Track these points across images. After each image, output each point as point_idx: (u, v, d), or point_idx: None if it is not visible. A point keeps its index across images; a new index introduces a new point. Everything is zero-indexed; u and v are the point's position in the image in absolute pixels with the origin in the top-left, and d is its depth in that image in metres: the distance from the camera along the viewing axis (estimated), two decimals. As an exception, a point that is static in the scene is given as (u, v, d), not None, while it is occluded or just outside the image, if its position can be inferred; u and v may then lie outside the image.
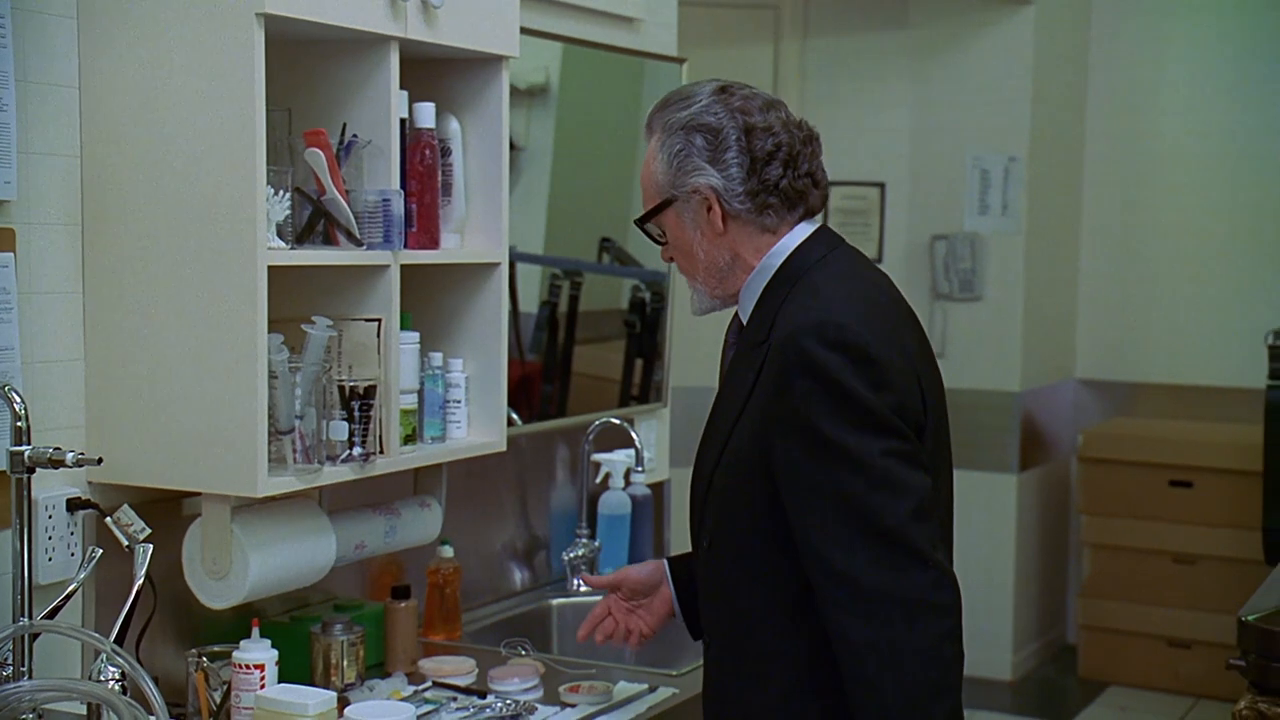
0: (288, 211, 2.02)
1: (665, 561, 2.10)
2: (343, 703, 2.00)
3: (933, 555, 1.68)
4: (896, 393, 1.71)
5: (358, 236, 2.11)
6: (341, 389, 2.09)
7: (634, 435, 2.91)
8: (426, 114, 2.25)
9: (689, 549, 2.10)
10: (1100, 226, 5.60)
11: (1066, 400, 5.63)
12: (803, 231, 1.85)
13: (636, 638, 2.09)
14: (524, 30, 2.43)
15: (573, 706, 2.19)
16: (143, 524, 1.97)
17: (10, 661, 1.84)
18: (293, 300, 2.10)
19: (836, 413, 1.68)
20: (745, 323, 1.87)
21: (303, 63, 2.15)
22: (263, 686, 1.98)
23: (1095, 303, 5.62)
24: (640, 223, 1.89)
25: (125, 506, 1.98)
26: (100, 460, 1.92)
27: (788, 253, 1.84)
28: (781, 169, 1.81)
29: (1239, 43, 5.36)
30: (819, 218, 1.90)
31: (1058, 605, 5.60)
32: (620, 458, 2.99)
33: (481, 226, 2.38)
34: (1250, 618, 2.55)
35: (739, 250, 1.84)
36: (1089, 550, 5.31)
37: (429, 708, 2.15)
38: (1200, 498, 5.05)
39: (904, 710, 1.65)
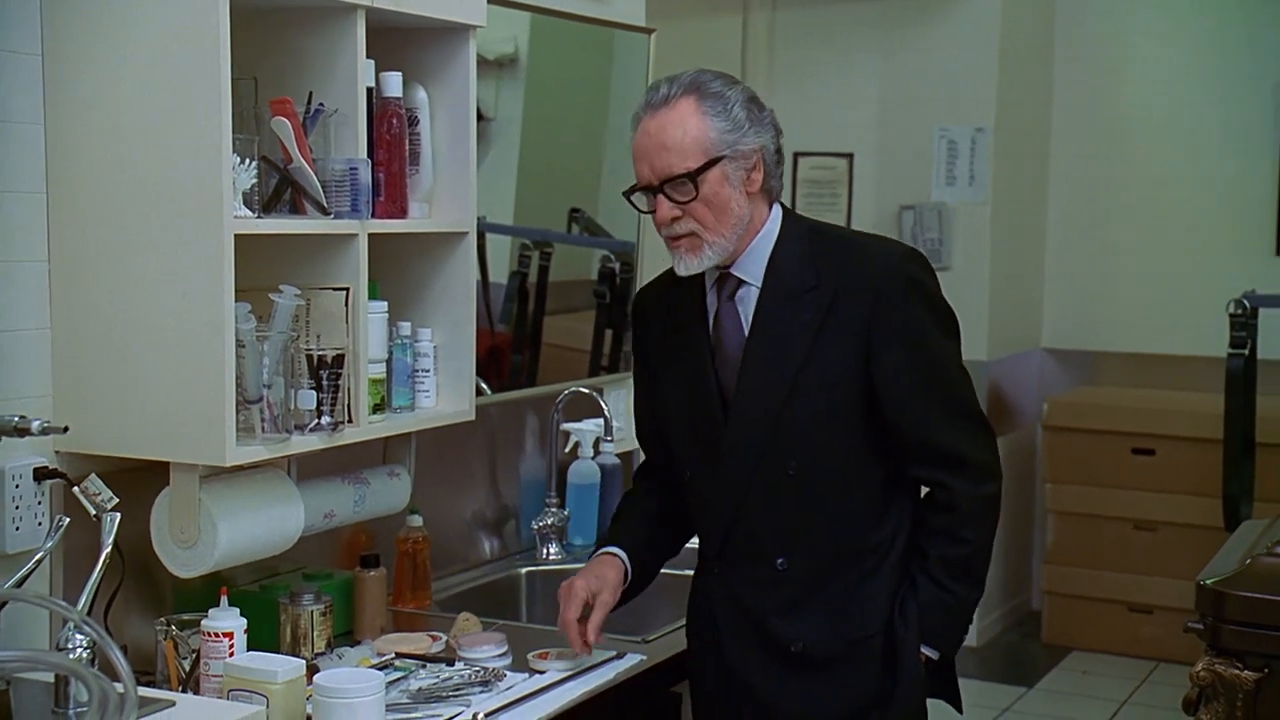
0: (254, 180, 2.01)
1: (622, 555, 2.24)
2: (312, 671, 2.00)
3: (992, 429, 2.15)
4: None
5: (325, 205, 2.11)
6: (309, 358, 2.09)
7: (603, 405, 2.92)
8: (394, 83, 2.25)
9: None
10: (1066, 197, 5.63)
11: (1032, 369, 5.68)
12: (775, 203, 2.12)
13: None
14: (492, 0, 2.43)
15: (541, 673, 2.21)
16: (110, 493, 1.96)
17: (-22, 630, 1.84)
18: (260, 269, 2.09)
19: (938, 324, 2.08)
20: (761, 280, 2.07)
21: (269, 31, 2.14)
22: (232, 655, 1.98)
23: (1061, 272, 5.66)
24: (692, 176, 2.00)
25: (93, 475, 1.98)
26: (66, 429, 1.92)
27: (780, 219, 2.10)
28: (781, 147, 2.10)
29: (1205, 16, 5.39)
30: None
31: (1022, 572, 5.66)
32: (589, 427, 3.01)
33: (449, 196, 2.38)
34: (1208, 582, 2.59)
35: (755, 213, 2.06)
36: (1053, 517, 5.37)
37: (398, 675, 2.16)
38: (1162, 465, 5.11)
39: (984, 547, 2.12)
